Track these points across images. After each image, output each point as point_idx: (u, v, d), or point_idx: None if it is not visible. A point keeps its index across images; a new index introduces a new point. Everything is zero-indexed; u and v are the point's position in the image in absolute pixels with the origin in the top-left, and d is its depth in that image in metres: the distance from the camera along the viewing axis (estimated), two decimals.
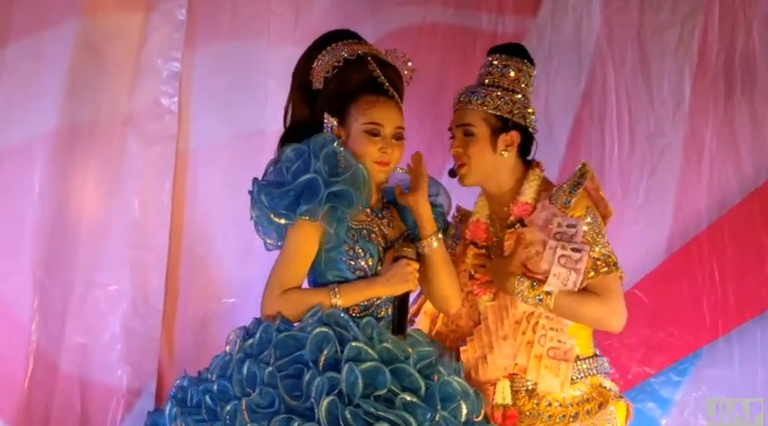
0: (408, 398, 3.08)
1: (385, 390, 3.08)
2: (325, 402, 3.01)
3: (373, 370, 3.09)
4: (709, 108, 4.94)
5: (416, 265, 3.31)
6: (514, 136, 3.59)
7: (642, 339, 4.89)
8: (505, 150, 3.57)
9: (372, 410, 3.03)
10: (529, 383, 3.48)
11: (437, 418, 3.09)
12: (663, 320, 4.90)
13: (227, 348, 3.29)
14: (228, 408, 3.08)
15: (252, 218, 3.33)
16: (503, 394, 3.44)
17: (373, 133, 3.31)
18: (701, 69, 4.95)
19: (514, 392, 3.48)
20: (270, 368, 3.09)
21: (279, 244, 3.32)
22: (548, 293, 3.40)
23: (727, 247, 4.91)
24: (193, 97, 4.87)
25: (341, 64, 3.30)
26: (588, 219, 3.46)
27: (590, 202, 3.51)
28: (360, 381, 3.05)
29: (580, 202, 3.49)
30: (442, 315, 3.63)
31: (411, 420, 3.04)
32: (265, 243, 3.34)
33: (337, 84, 3.30)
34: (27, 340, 4.68)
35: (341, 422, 3.00)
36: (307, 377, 3.07)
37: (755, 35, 4.93)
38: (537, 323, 3.44)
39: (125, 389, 4.75)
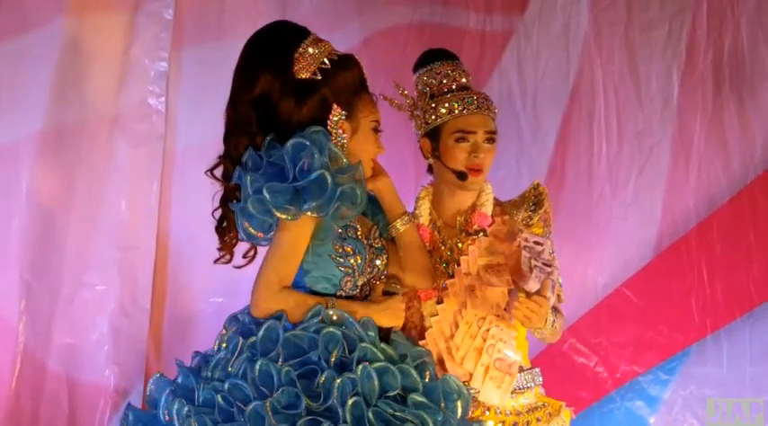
0: (418, 398, 3.08)
1: (396, 391, 3.08)
2: (350, 402, 2.99)
3: (381, 370, 3.09)
4: (698, 106, 4.94)
5: (405, 301, 3.38)
6: None
7: (631, 337, 4.90)
8: None
9: (390, 410, 3.02)
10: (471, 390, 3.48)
11: (444, 416, 3.09)
12: (651, 318, 4.91)
13: (224, 345, 3.24)
14: (250, 408, 3.02)
15: (237, 210, 3.25)
16: None
17: (377, 130, 3.35)
18: (689, 67, 4.95)
19: None
20: (287, 368, 3.05)
21: (268, 236, 3.26)
22: (556, 314, 3.51)
23: (716, 245, 4.92)
24: (181, 97, 4.87)
25: (335, 57, 3.28)
26: (549, 241, 3.54)
27: (542, 223, 3.60)
28: (375, 381, 3.04)
29: (538, 224, 3.58)
30: None
31: (428, 419, 3.04)
32: (247, 231, 3.27)
33: (343, 77, 3.27)
34: (15, 340, 4.69)
35: (366, 423, 2.99)
36: (322, 377, 3.04)
37: (743, 33, 4.92)
38: (488, 330, 3.48)
39: (113, 389, 4.76)
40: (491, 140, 3.58)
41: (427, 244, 3.60)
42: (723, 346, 4.90)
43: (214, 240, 4.76)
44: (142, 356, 4.78)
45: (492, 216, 3.59)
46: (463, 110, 3.58)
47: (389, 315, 3.28)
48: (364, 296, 3.33)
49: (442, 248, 3.60)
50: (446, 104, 3.60)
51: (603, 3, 4.97)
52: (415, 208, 3.67)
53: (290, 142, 3.16)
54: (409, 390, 3.09)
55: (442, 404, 3.11)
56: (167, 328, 4.86)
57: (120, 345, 4.77)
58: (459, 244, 3.58)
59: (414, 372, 3.13)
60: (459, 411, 3.16)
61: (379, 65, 4.54)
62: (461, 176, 3.55)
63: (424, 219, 3.64)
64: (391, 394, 3.06)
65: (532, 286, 3.42)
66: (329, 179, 3.12)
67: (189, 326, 4.84)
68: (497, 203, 3.64)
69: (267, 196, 3.13)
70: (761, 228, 4.90)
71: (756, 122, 4.91)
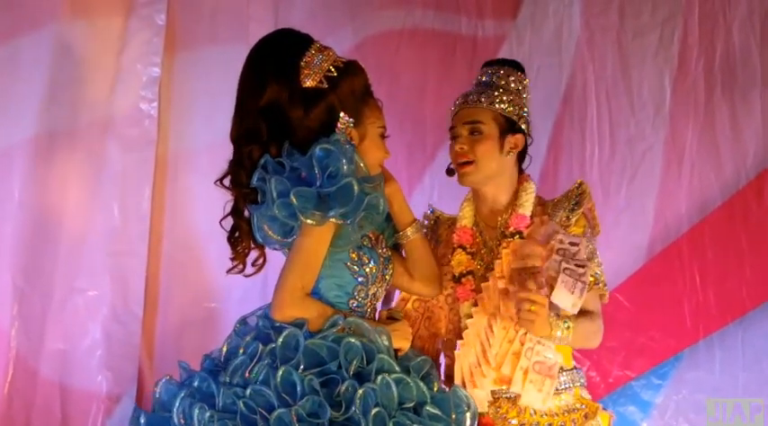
0: (432, 410, 3.09)
1: (413, 402, 3.09)
2: (373, 413, 3.00)
3: (398, 381, 3.10)
4: (690, 111, 4.94)
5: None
6: (520, 139, 3.61)
7: (623, 342, 4.89)
8: (510, 152, 3.58)
9: (408, 422, 3.04)
10: (509, 392, 3.48)
11: None
12: (644, 323, 4.90)
13: (241, 351, 3.21)
14: (275, 416, 3.01)
15: (258, 212, 3.21)
16: (479, 404, 3.43)
17: (383, 136, 3.35)
18: (681, 72, 4.95)
19: (495, 398, 3.48)
20: (310, 376, 3.05)
21: (287, 240, 3.23)
22: (567, 326, 3.38)
23: (708, 250, 4.92)
24: (173, 102, 4.87)
25: (340, 64, 3.28)
26: (585, 240, 3.46)
27: (587, 222, 3.55)
28: (394, 392, 3.05)
29: (579, 222, 3.53)
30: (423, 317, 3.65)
31: None
32: (265, 234, 3.24)
33: (349, 84, 3.26)
34: (7, 346, 4.68)
35: None
36: (343, 387, 3.04)
37: (735, 38, 4.93)
38: (525, 334, 3.42)
39: (105, 395, 4.74)
40: (474, 131, 3.54)
41: (468, 246, 3.59)
42: (715, 351, 4.89)
43: (207, 245, 4.80)
44: (135, 362, 4.76)
45: (532, 216, 3.55)
46: (453, 109, 3.61)
47: (398, 336, 3.28)
48: (373, 306, 3.34)
49: (483, 250, 3.59)
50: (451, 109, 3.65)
51: (595, 8, 4.97)
52: (459, 211, 3.66)
53: (317, 148, 3.15)
54: (419, 402, 3.11)
55: (453, 416, 3.13)
56: (160, 334, 4.85)
57: (113, 351, 4.75)
58: (497, 247, 3.56)
59: (423, 385, 3.14)
60: (468, 422, 3.18)
61: (372, 70, 4.51)
62: (449, 173, 3.58)
63: (468, 221, 3.62)
64: (407, 405, 3.08)
65: (561, 291, 3.31)
66: (356, 187, 3.12)
67: (181, 332, 4.83)
68: (540, 202, 3.61)
69: (294, 200, 3.12)
70: (753, 233, 4.90)
71: (748, 127, 4.91)
